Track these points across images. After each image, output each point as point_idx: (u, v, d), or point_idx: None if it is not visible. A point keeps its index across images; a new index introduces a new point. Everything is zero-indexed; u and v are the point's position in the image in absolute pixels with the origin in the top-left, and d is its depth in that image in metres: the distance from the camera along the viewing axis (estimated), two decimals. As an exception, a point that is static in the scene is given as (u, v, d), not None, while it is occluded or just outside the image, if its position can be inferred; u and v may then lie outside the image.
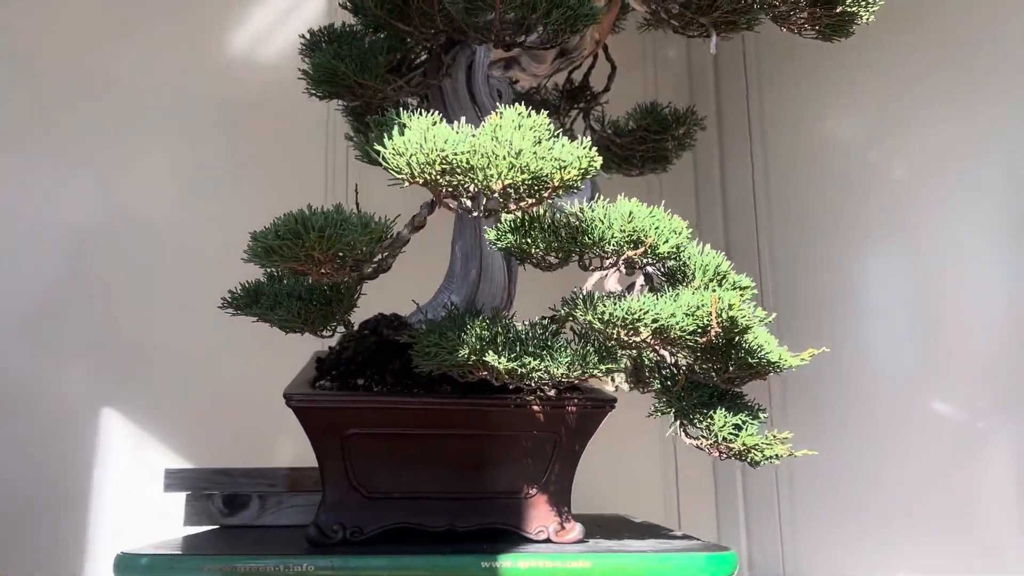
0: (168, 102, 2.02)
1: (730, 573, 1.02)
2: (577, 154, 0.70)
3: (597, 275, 1.04)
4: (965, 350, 1.71)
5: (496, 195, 0.70)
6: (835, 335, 1.98)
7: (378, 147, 0.68)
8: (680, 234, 0.86)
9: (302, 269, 0.75)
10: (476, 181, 0.68)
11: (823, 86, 2.03)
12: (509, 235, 0.87)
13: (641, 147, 1.48)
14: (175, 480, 1.42)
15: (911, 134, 1.76)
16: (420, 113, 0.73)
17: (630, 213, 0.85)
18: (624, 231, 0.84)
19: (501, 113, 0.73)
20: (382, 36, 1.13)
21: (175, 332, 1.96)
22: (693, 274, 0.93)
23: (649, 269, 0.97)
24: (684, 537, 1.19)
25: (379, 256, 0.83)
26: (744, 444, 0.92)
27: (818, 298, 2.05)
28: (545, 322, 0.92)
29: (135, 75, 2.01)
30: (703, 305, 0.82)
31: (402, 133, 0.68)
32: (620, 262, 0.87)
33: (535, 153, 0.68)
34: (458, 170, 0.68)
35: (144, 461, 1.89)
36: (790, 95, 2.15)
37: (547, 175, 0.69)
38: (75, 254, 1.92)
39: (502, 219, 0.89)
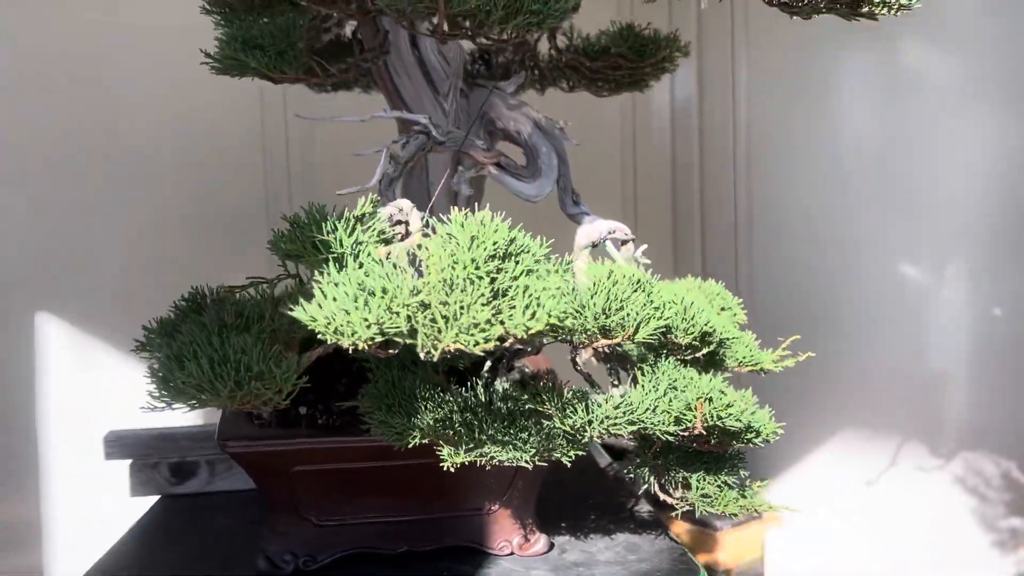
0: None
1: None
2: (546, 310, 0.56)
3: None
4: (941, 212, 1.69)
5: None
6: (811, 184, 1.93)
7: (299, 313, 0.53)
8: (664, 315, 0.74)
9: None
10: (423, 345, 0.55)
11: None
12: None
13: (616, 72, 1.29)
14: (115, 447, 1.33)
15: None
16: (353, 261, 0.57)
17: (615, 298, 0.72)
18: (598, 320, 0.72)
19: (452, 237, 0.58)
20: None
21: (113, 232, 1.81)
22: (676, 338, 0.81)
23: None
24: (654, 527, 1.14)
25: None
26: (724, 511, 0.85)
27: (791, 146, 1.96)
28: (510, 389, 0.81)
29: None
30: (690, 410, 0.72)
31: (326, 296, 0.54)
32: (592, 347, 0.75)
33: (492, 315, 0.55)
34: (399, 338, 0.54)
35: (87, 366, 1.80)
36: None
37: (509, 333, 0.56)
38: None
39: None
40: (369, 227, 0.64)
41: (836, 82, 1.90)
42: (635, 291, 0.73)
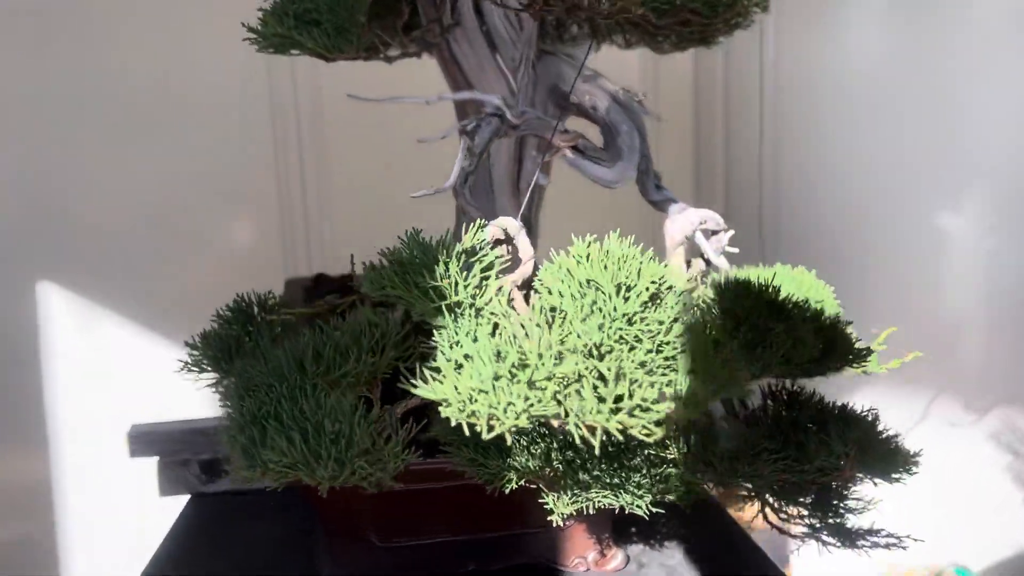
0: None
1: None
2: (719, 380, 0.46)
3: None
4: (977, 155, 1.60)
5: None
6: (838, 128, 1.82)
7: (425, 392, 0.43)
8: (812, 347, 0.64)
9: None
10: (574, 426, 0.45)
11: None
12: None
13: (683, 28, 1.16)
14: (140, 444, 1.23)
15: None
16: (466, 314, 0.46)
17: (757, 331, 0.61)
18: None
19: (592, 283, 0.47)
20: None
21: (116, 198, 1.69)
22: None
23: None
24: (739, 540, 1.06)
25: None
26: (845, 543, 0.77)
27: (819, 85, 1.85)
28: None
29: None
30: (838, 458, 0.63)
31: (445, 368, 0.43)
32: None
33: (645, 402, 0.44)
34: (541, 421, 0.44)
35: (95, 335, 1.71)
36: None
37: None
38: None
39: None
40: (481, 260, 0.53)
41: (869, 17, 1.77)
42: (777, 320, 0.62)
